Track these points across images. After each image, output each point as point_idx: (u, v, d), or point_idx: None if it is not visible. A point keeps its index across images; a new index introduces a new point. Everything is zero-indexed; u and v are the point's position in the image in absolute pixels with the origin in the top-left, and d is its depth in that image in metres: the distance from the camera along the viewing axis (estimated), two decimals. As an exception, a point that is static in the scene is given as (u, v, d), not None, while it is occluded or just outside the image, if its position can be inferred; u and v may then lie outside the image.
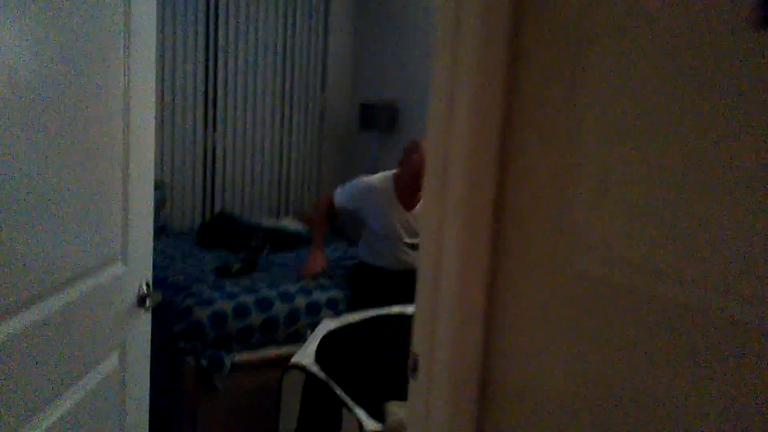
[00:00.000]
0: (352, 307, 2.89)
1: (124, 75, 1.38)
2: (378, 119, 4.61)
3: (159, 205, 4.14)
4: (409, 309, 2.65)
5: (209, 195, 4.65)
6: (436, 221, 1.06)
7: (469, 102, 1.00)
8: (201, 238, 3.58)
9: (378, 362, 2.59)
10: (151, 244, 1.61)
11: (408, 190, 2.96)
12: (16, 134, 1.01)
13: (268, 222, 3.86)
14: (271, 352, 2.68)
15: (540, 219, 0.94)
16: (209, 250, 3.41)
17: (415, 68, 4.62)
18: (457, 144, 1.05)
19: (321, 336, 2.23)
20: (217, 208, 4.64)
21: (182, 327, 2.53)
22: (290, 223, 3.91)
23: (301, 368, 1.94)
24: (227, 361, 2.53)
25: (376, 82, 5.02)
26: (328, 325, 2.36)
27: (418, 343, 1.15)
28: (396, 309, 2.61)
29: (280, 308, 2.71)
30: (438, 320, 1.11)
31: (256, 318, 2.65)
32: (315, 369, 1.94)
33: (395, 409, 1.90)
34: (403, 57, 4.74)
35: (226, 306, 2.62)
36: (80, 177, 1.24)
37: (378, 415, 2.30)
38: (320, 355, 2.10)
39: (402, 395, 2.43)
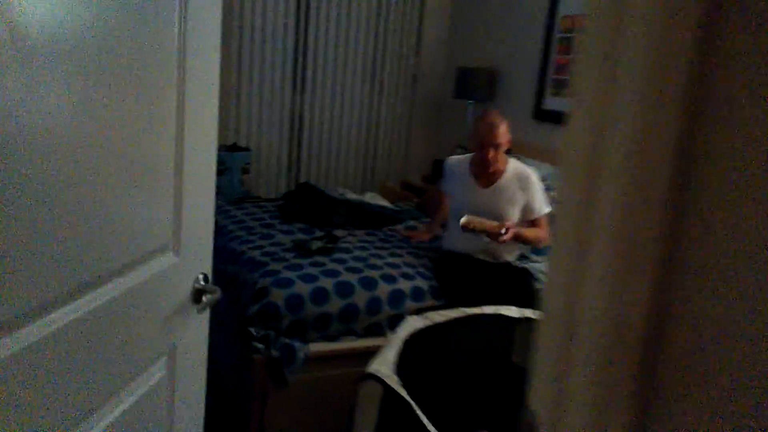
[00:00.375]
0: (438, 297, 2.60)
1: (179, 21, 1.11)
2: (475, 86, 4.23)
3: (243, 170, 3.98)
4: (503, 309, 2.32)
5: (294, 163, 4.46)
6: (574, 238, 0.72)
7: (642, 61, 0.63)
8: (283, 210, 3.37)
9: (468, 383, 2.28)
10: (211, 231, 1.36)
11: (481, 165, 2.73)
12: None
13: (351, 196, 3.60)
14: (350, 344, 2.43)
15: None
16: (290, 223, 3.19)
17: (518, 30, 4.17)
18: (617, 118, 0.68)
19: (403, 338, 1.95)
20: (303, 177, 4.43)
21: (256, 309, 2.33)
22: (374, 199, 3.64)
23: (380, 380, 1.67)
24: (301, 353, 2.30)
25: (475, 45, 4.61)
26: (411, 324, 2.07)
27: (537, 398, 0.82)
28: (489, 309, 2.28)
29: (360, 295, 2.45)
30: (572, 376, 0.78)
31: (334, 304, 2.40)
32: (395, 384, 1.65)
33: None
34: (505, 18, 4.29)
35: (304, 289, 2.38)
36: (129, 143, 0.99)
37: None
38: (402, 366, 1.82)
39: (495, 426, 2.10)
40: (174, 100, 1.13)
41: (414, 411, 1.52)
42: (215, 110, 1.30)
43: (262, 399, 2.30)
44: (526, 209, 2.74)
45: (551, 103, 3.90)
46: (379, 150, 4.73)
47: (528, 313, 2.33)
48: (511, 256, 2.81)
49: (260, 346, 2.28)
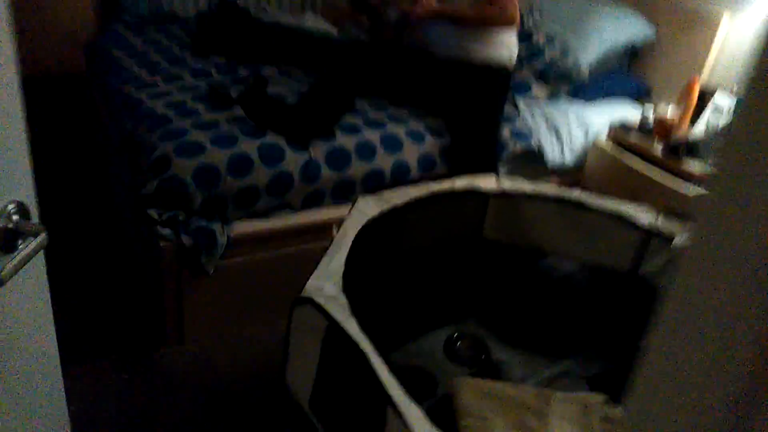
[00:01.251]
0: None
1: None
2: None
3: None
4: (480, 182, 1.84)
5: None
6: None
7: None
8: (196, 38, 2.65)
9: (440, 271, 1.86)
10: (22, 123, 0.77)
11: None
12: None
13: (286, 20, 2.87)
14: (284, 221, 1.94)
15: None
16: (205, 57, 2.51)
17: None
18: None
19: (352, 235, 1.46)
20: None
21: (155, 186, 1.77)
22: (314, 22, 2.92)
23: (321, 309, 1.20)
24: (221, 237, 1.80)
25: None
26: (362, 210, 1.58)
27: None
28: (462, 183, 1.80)
29: (292, 159, 1.91)
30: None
31: (260, 174, 1.86)
32: (344, 314, 1.19)
33: (469, 395, 1.20)
34: None
35: (219, 158, 1.82)
36: None
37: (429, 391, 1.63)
38: (353, 273, 1.36)
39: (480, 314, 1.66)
40: None
41: (373, 368, 1.08)
42: None
43: (177, 294, 1.84)
44: None
45: None
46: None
47: (506, 183, 1.86)
48: (487, 52, 2.23)
49: (166, 231, 1.77)
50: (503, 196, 1.85)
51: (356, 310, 1.26)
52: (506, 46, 2.24)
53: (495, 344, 1.93)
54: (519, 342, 1.92)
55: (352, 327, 1.18)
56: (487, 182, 1.84)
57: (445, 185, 1.78)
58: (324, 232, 1.99)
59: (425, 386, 1.73)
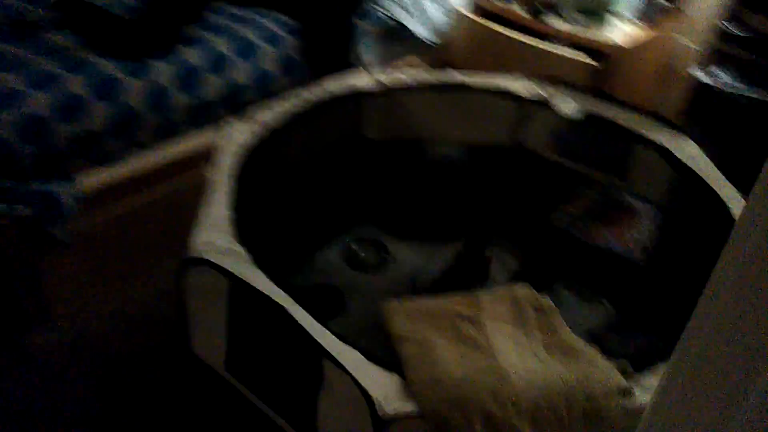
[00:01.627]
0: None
1: None
2: None
3: None
4: (355, 81, 1.67)
5: None
6: None
7: None
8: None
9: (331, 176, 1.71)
10: None
11: None
12: None
13: None
14: (136, 164, 1.67)
15: None
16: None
17: None
18: None
19: (230, 169, 1.27)
20: None
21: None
22: None
23: (219, 268, 1.03)
24: (67, 197, 1.52)
25: None
26: (235, 139, 1.38)
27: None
28: (336, 85, 1.63)
29: (134, 89, 1.62)
30: None
31: (96, 114, 1.56)
32: (247, 270, 1.04)
33: (400, 319, 1.11)
34: None
35: (43, 102, 1.49)
36: None
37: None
38: (243, 208, 1.19)
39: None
40: None
41: (294, 319, 0.96)
42: None
43: (32, 273, 1.57)
44: None
45: None
46: None
47: (382, 77, 1.72)
48: None
49: (-2, 205, 1.46)
50: (379, 91, 1.71)
51: (247, 242, 1.12)
52: None
53: (393, 242, 1.87)
54: (415, 234, 1.87)
55: (260, 281, 1.04)
56: (362, 80, 1.69)
57: (319, 91, 1.60)
58: (188, 167, 1.76)
59: (333, 302, 1.66)
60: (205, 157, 1.77)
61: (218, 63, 1.76)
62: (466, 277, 1.62)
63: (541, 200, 1.79)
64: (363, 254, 1.78)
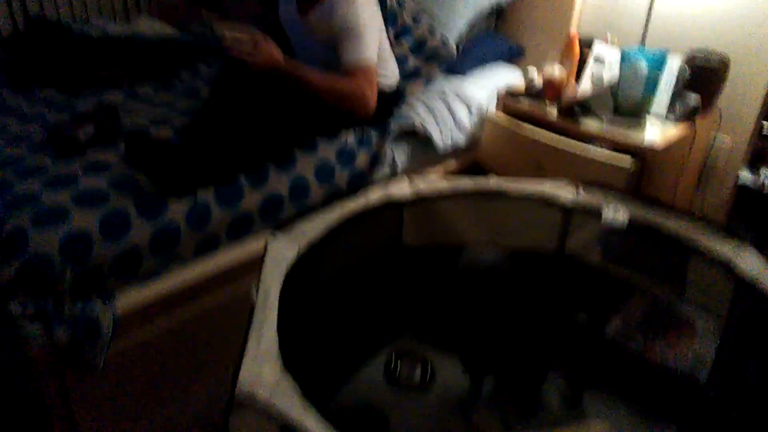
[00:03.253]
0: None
1: None
2: None
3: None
4: (394, 190, 1.66)
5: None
6: None
7: None
8: (11, 67, 2.20)
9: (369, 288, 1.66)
10: None
11: None
12: None
13: (116, 29, 2.47)
14: (176, 279, 1.65)
15: None
16: (28, 90, 2.08)
17: None
18: None
19: (276, 295, 1.24)
20: (32, 6, 3.05)
21: (14, 272, 1.42)
22: (150, 26, 2.55)
23: (271, 412, 0.98)
24: (105, 317, 1.49)
25: None
26: (279, 255, 1.35)
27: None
28: (376, 195, 1.61)
29: (176, 206, 1.62)
30: None
31: (141, 231, 1.55)
32: (296, 410, 0.98)
33: None
34: None
35: (88, 219, 1.49)
36: None
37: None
38: (289, 340, 1.14)
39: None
40: None
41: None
42: None
43: (63, 398, 1.51)
44: (339, 50, 1.90)
45: None
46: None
47: (420, 186, 1.70)
48: None
49: (34, 328, 1.43)
50: (418, 199, 1.70)
51: (291, 364, 1.06)
52: (384, 76, 2.07)
53: (436, 355, 1.80)
54: (459, 348, 1.81)
55: (311, 422, 0.97)
56: (401, 188, 1.68)
57: (360, 202, 1.59)
58: (227, 282, 1.74)
59: (376, 426, 1.58)
60: (243, 270, 1.76)
61: (256, 175, 1.77)
62: (517, 400, 1.55)
63: (589, 311, 1.73)
64: (405, 373, 1.71)
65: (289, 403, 0.99)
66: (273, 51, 1.79)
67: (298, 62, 1.90)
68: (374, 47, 1.91)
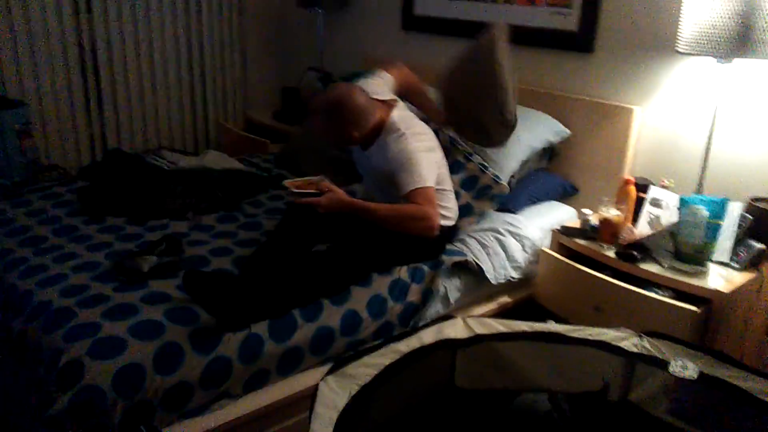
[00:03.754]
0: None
1: None
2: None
3: (21, 133, 2.80)
4: (449, 330, 1.63)
5: (96, 119, 3.30)
6: None
7: None
8: (86, 196, 2.33)
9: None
10: None
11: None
12: None
13: (186, 162, 2.63)
14: (226, 414, 1.62)
15: None
16: (100, 220, 2.20)
17: None
18: None
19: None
20: (110, 141, 3.30)
21: (66, 403, 1.42)
22: (218, 161, 2.70)
23: None
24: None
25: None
26: (329, 400, 1.32)
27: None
28: (430, 336, 1.58)
29: (228, 340, 1.62)
30: None
31: (193, 365, 1.55)
32: None
33: None
34: None
35: (143, 351, 1.50)
36: None
37: None
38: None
39: None
40: None
41: None
42: None
43: None
44: (395, 181, 2.00)
45: (423, 7, 3.13)
46: (209, 88, 3.69)
47: (477, 328, 1.67)
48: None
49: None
50: (473, 340, 1.66)
51: None
52: (446, 210, 2.15)
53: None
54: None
55: None
56: (456, 329, 1.64)
57: (413, 342, 1.56)
58: (274, 416, 1.70)
59: None
60: (292, 406, 1.72)
61: (311, 308, 1.78)
62: None
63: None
64: None
65: None
66: (338, 193, 1.90)
67: (360, 200, 1.98)
68: (430, 173, 1.99)
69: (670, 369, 1.48)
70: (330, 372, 1.43)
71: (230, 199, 2.38)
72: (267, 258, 1.89)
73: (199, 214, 2.25)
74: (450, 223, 2.22)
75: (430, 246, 2.11)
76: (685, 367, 1.45)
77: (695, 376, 1.45)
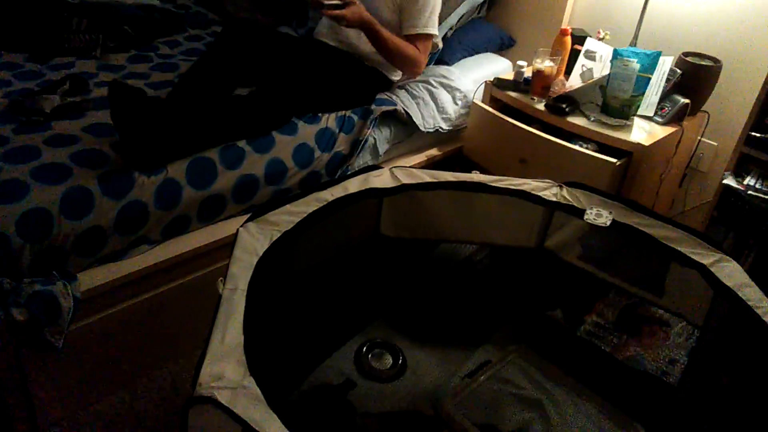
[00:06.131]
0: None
1: None
2: None
3: None
4: (375, 180, 1.61)
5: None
6: None
7: None
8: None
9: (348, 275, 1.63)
10: None
11: None
12: None
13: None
14: (142, 261, 1.59)
15: None
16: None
17: None
18: None
19: (244, 289, 1.18)
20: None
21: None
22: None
23: (228, 411, 0.93)
24: (65, 299, 1.42)
25: None
26: (248, 245, 1.29)
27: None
28: (356, 185, 1.56)
29: (148, 183, 1.55)
30: None
31: (104, 209, 1.49)
32: (258, 414, 0.94)
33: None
34: None
35: (48, 195, 1.42)
36: None
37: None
38: (256, 337, 1.09)
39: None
40: None
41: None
42: None
43: (20, 379, 1.45)
44: (403, 16, 2.03)
45: None
46: None
47: (403, 178, 1.65)
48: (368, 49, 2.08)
49: (-10, 307, 1.36)
50: (398, 190, 1.65)
51: (257, 354, 1.02)
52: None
53: (408, 346, 1.77)
54: (431, 337, 1.78)
55: (273, 428, 0.93)
56: (382, 179, 1.62)
57: (338, 191, 1.53)
58: (194, 263, 1.68)
59: (342, 417, 1.54)
60: (214, 254, 1.70)
61: (232, 156, 1.70)
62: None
63: (565, 308, 1.71)
64: (376, 363, 1.67)
65: (251, 407, 0.94)
66: (360, 7, 1.91)
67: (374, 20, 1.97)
68: (436, 19, 2.05)
69: (585, 217, 1.53)
70: (251, 218, 1.40)
71: (142, 37, 2.18)
72: (184, 99, 1.76)
73: (107, 52, 2.06)
74: (397, 77, 2.18)
75: (359, 94, 2.04)
76: (599, 215, 1.50)
77: (608, 223, 1.50)
